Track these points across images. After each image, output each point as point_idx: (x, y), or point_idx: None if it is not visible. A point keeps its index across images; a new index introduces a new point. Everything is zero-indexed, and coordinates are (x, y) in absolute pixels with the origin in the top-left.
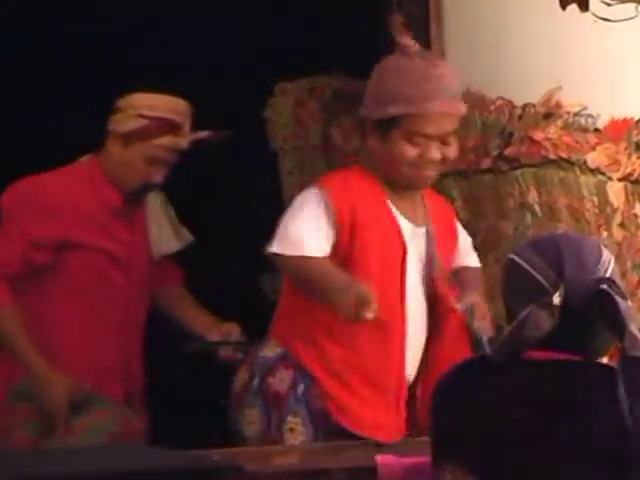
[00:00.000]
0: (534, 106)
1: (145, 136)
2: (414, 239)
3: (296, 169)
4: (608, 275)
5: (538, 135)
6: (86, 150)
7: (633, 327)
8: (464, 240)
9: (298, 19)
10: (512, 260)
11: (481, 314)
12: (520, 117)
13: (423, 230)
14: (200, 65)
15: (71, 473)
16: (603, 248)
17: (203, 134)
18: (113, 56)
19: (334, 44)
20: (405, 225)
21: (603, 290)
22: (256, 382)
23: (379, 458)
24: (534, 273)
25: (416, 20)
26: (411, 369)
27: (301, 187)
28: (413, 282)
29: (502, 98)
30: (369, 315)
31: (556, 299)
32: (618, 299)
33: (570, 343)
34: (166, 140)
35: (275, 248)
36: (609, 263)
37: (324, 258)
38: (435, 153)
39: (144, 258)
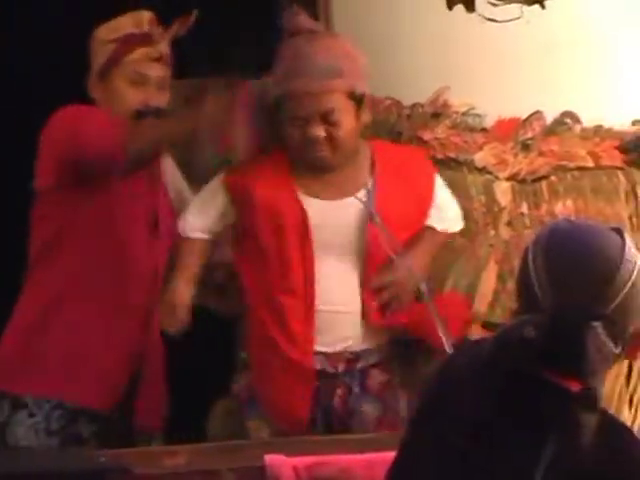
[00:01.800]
0: (422, 106)
1: (118, 59)
2: (331, 211)
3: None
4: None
5: (426, 135)
6: None
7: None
8: (439, 200)
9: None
10: (527, 257)
11: (416, 268)
12: (409, 117)
13: (349, 200)
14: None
15: None
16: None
17: (174, 29)
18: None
19: (228, 44)
20: (312, 201)
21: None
22: None
23: (267, 458)
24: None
25: None
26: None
27: None
28: (333, 247)
29: (390, 98)
30: (169, 329)
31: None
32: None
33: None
34: (140, 53)
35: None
36: (624, 286)
37: (199, 240)
38: (315, 132)
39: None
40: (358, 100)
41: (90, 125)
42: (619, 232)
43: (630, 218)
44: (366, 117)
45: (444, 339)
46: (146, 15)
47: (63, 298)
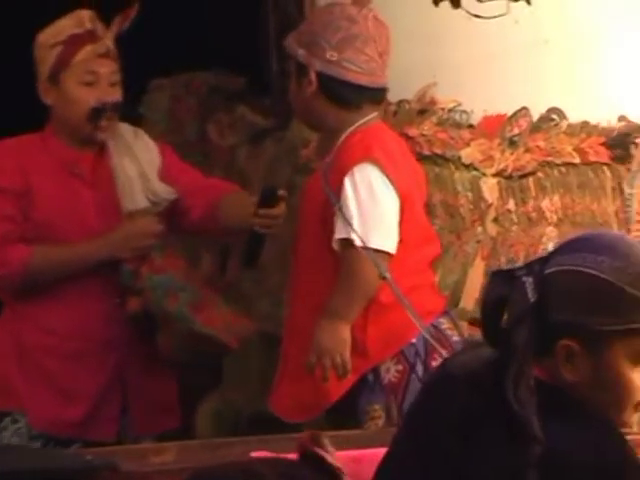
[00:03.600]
0: (409, 102)
1: (66, 61)
2: None
3: None
4: None
5: (413, 131)
6: None
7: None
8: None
9: (175, 14)
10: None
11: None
12: (395, 113)
13: None
14: None
15: None
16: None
17: (117, 23)
18: None
19: (212, 40)
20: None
21: None
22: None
23: (254, 455)
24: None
25: (292, 19)
26: None
27: None
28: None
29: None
30: None
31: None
32: None
33: None
34: (87, 52)
35: None
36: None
37: None
38: None
39: None
40: (301, 67)
41: None
42: None
43: (616, 214)
44: (310, 88)
45: (415, 321)
46: (86, 13)
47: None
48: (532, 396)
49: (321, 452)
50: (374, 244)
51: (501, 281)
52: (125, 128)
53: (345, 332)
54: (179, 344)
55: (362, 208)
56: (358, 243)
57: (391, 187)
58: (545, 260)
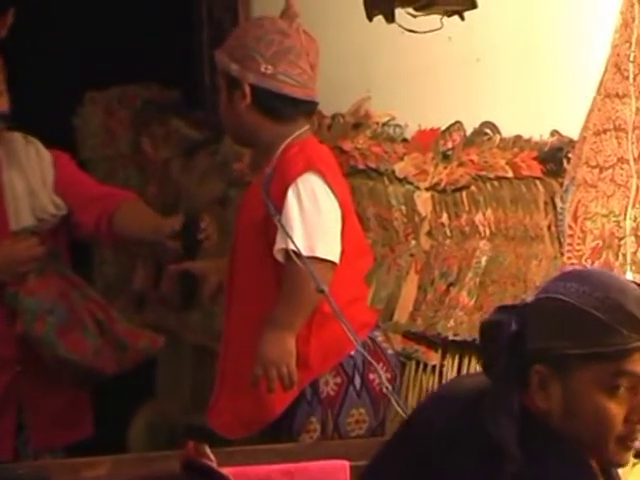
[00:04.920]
0: (343, 116)
1: None
2: None
3: (107, 178)
4: None
5: (347, 145)
6: None
7: None
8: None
9: (109, 26)
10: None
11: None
12: (329, 127)
13: None
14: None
15: None
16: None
17: None
18: None
19: (145, 53)
20: None
21: None
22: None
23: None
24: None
25: (226, 32)
26: None
27: None
28: None
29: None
30: None
31: None
32: None
33: None
34: None
35: None
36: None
37: None
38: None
39: None
40: (233, 82)
41: None
42: None
43: (549, 228)
44: (243, 102)
45: (350, 335)
46: None
47: None
48: (511, 419)
49: (207, 462)
50: (320, 253)
51: (498, 314)
52: (16, 138)
53: (290, 343)
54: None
55: (306, 218)
56: (303, 253)
57: (333, 197)
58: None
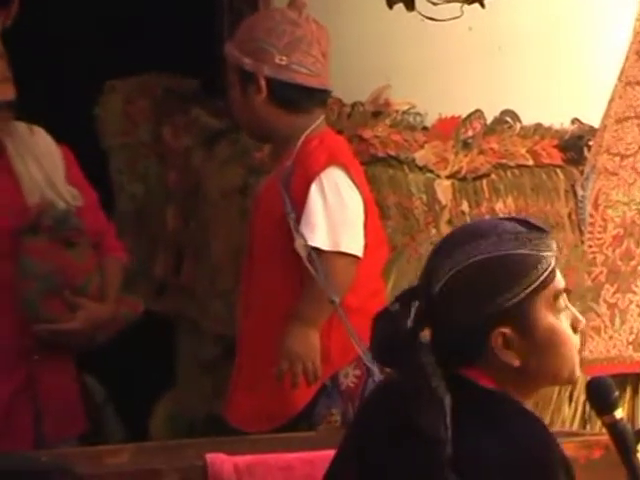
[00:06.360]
0: (363, 104)
1: None
2: None
3: (127, 167)
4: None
5: (367, 133)
6: None
7: None
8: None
9: (130, 16)
10: None
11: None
12: (349, 115)
13: None
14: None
15: None
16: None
17: (0, 21)
18: None
19: (166, 42)
20: None
21: None
22: None
23: (209, 457)
24: None
25: None
26: None
27: (131, 184)
28: None
29: (331, 96)
30: None
31: None
32: None
33: None
34: None
35: None
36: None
37: None
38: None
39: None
40: (247, 76)
41: None
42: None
43: (569, 216)
44: (259, 96)
45: (357, 348)
46: None
47: None
48: (435, 404)
49: None
50: (344, 248)
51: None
52: (21, 127)
53: (315, 338)
54: None
55: (330, 213)
56: (327, 248)
57: (357, 191)
58: (427, 282)
